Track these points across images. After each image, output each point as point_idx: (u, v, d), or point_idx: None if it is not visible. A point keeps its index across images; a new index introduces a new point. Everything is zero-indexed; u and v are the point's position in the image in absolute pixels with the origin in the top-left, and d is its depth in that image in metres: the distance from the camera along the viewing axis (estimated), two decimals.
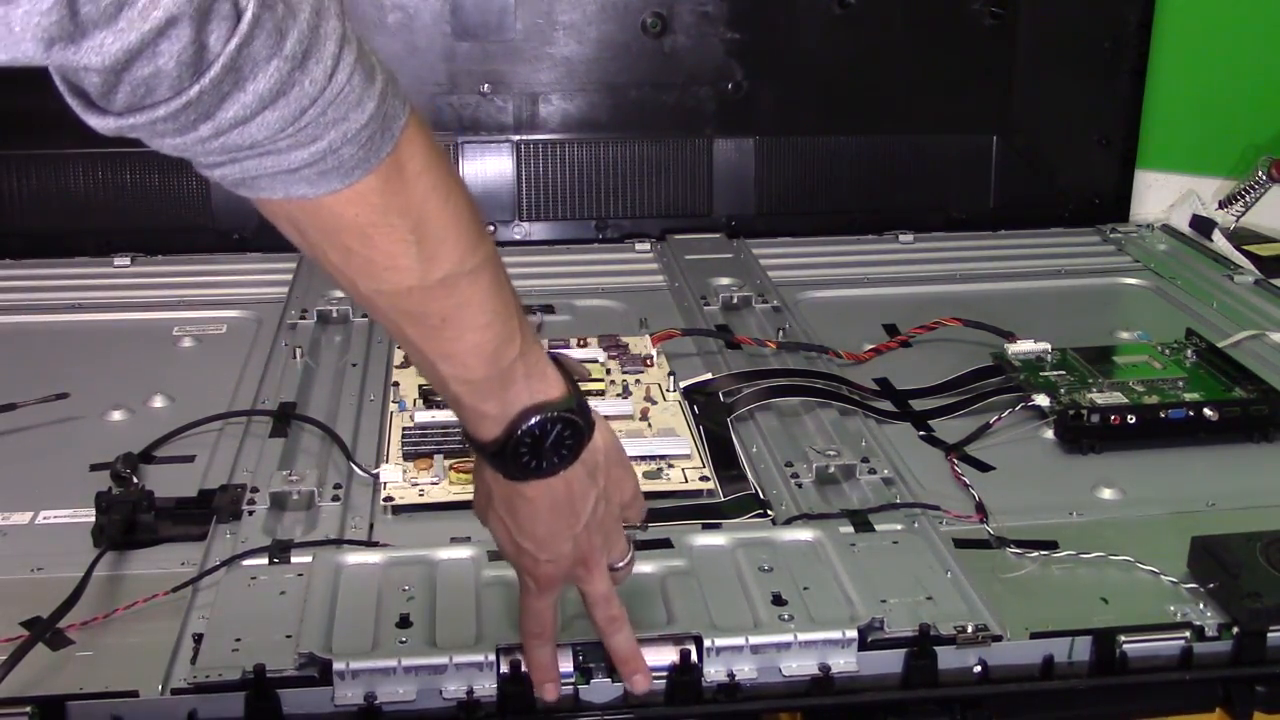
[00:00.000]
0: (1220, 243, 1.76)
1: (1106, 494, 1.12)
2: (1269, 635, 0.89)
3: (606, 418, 1.18)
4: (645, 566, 0.94)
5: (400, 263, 0.65)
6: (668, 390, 1.26)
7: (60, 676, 0.85)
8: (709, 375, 1.30)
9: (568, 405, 0.73)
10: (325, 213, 0.62)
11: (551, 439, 0.73)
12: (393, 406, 1.23)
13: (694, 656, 0.85)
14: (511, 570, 0.92)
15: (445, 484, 1.09)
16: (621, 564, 0.83)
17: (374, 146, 0.61)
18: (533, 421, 0.72)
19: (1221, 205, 1.84)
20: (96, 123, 0.56)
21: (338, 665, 0.83)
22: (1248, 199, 1.81)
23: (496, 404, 0.72)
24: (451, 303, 0.68)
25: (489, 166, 1.75)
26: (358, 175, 0.61)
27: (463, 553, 0.96)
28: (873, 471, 1.12)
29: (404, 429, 1.17)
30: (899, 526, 1.03)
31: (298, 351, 1.36)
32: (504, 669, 0.83)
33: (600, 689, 0.85)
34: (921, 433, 1.23)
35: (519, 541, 0.78)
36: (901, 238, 1.78)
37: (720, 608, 0.90)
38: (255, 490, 1.08)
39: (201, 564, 0.98)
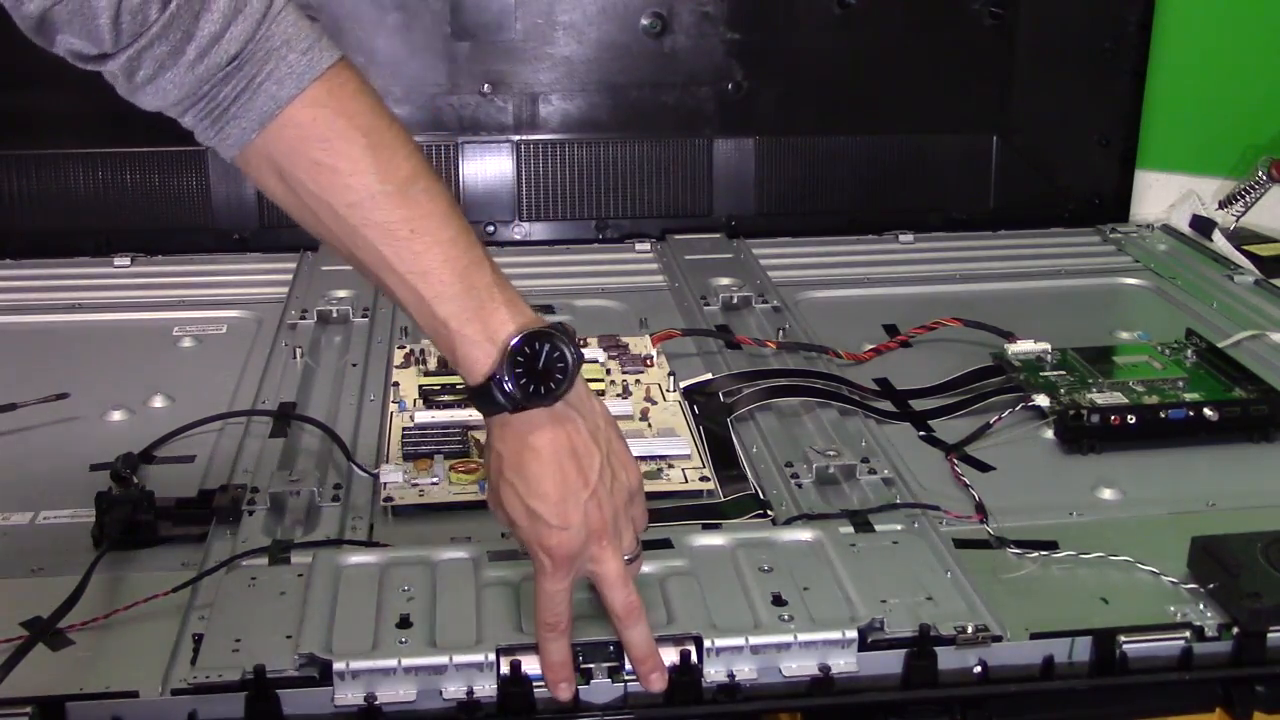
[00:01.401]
0: (1220, 243, 1.77)
1: (1106, 494, 1.12)
2: (1269, 635, 0.89)
3: None
4: (645, 566, 0.94)
5: (361, 166, 0.77)
6: (668, 390, 1.26)
7: (60, 676, 0.85)
8: (709, 375, 1.30)
9: (550, 328, 0.79)
10: (290, 127, 0.76)
11: (543, 360, 0.78)
12: (393, 406, 1.23)
13: (694, 657, 0.85)
14: (511, 571, 0.92)
15: (445, 484, 1.09)
16: (629, 557, 0.84)
17: (315, 56, 0.76)
18: (519, 340, 0.78)
19: (1221, 205, 1.84)
20: (109, 66, 0.74)
21: (338, 666, 0.82)
22: (1248, 199, 1.81)
23: (480, 327, 0.78)
24: (416, 212, 0.78)
25: (489, 166, 1.75)
26: (307, 80, 0.76)
27: (463, 553, 0.96)
28: (873, 471, 1.12)
29: (404, 429, 1.17)
30: (899, 526, 1.03)
31: (298, 351, 1.36)
32: (504, 670, 0.83)
33: (600, 689, 0.85)
34: (921, 433, 1.23)
35: (531, 505, 0.79)
36: (901, 238, 1.78)
37: (720, 608, 0.90)
38: (255, 490, 1.08)
39: (201, 564, 0.98)
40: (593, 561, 0.82)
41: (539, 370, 0.78)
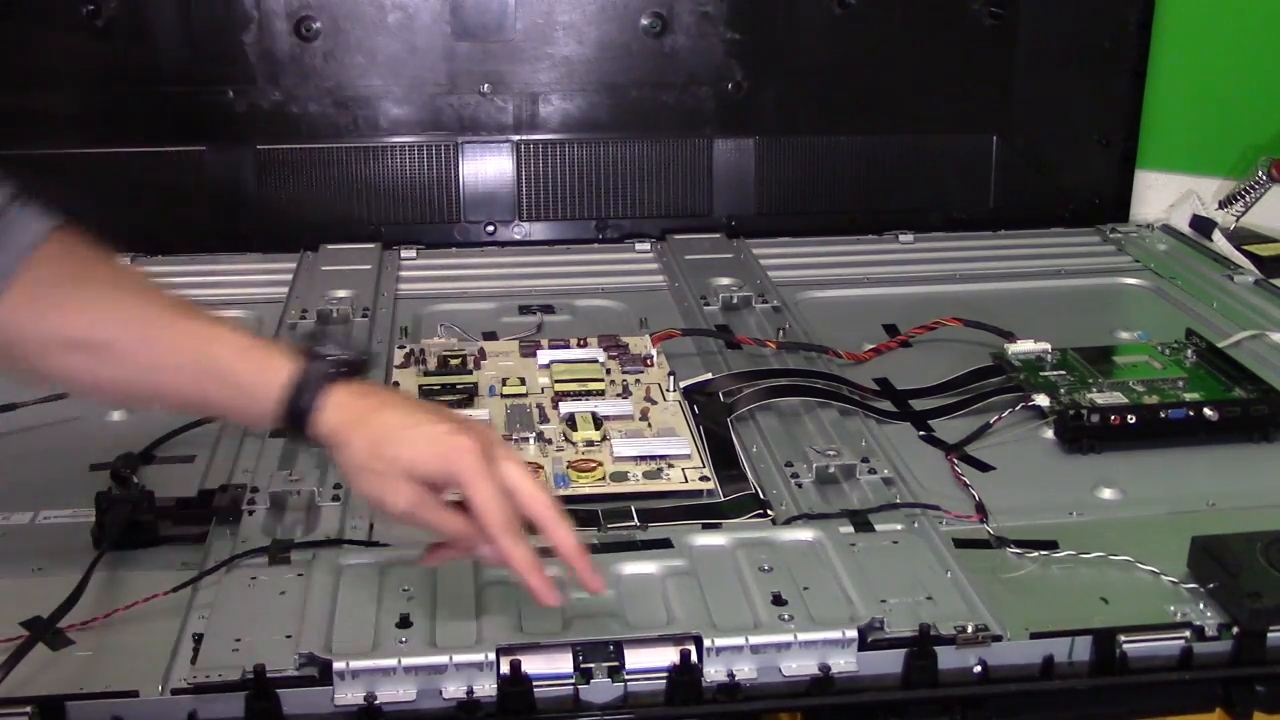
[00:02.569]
0: (1220, 243, 1.76)
1: (1106, 494, 1.12)
2: (1269, 635, 0.90)
3: (606, 418, 1.19)
4: (645, 566, 0.94)
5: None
6: (668, 390, 1.26)
7: (60, 676, 0.85)
8: (709, 375, 1.30)
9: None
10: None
11: (329, 356, 0.82)
12: None
13: (694, 656, 0.85)
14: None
15: None
16: None
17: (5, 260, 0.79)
18: (301, 352, 0.82)
19: (1221, 205, 1.84)
20: None
21: (338, 665, 0.83)
22: (1248, 199, 1.81)
23: (261, 365, 0.81)
24: (179, 329, 0.81)
25: (489, 166, 1.75)
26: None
27: None
28: (873, 471, 1.12)
29: None
30: (899, 526, 1.03)
31: None
32: (504, 669, 0.83)
33: (600, 689, 0.85)
34: (921, 433, 1.23)
35: (423, 428, 0.80)
36: (901, 238, 1.78)
37: (720, 608, 0.90)
38: (255, 490, 1.08)
39: (201, 564, 0.98)
40: (502, 460, 0.81)
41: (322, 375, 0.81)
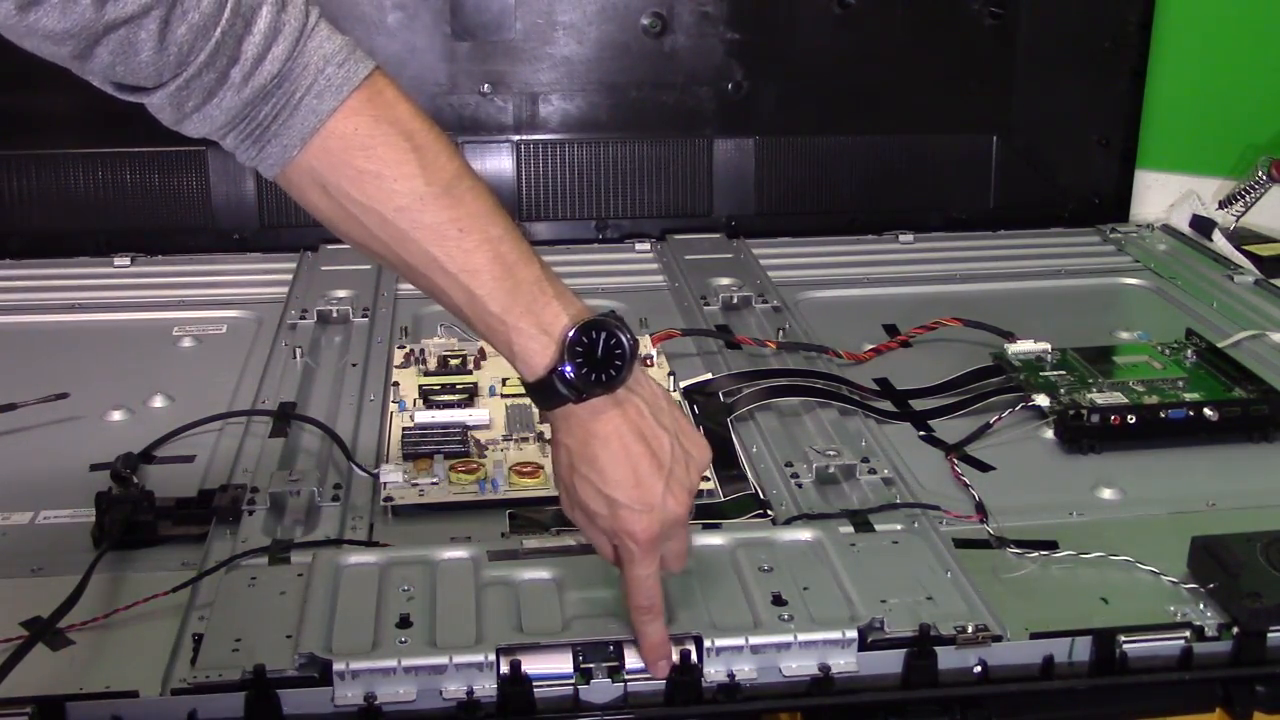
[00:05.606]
0: (1220, 243, 1.77)
1: (1106, 494, 1.12)
2: (1269, 635, 0.89)
3: None
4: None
5: (407, 170, 0.77)
6: (668, 390, 1.26)
7: (60, 676, 0.85)
8: (709, 375, 1.30)
9: (603, 316, 0.80)
10: (334, 140, 0.76)
11: (600, 348, 0.78)
12: (393, 406, 1.23)
13: (694, 656, 0.85)
14: (511, 571, 0.92)
15: (445, 484, 1.09)
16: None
17: (351, 67, 0.77)
18: (575, 330, 0.78)
19: (1221, 205, 1.84)
20: (153, 99, 0.74)
21: (338, 665, 0.82)
22: (1248, 199, 1.81)
23: (534, 321, 0.78)
24: (463, 211, 0.78)
25: (489, 166, 1.75)
26: (345, 91, 0.76)
27: (463, 553, 0.96)
28: (873, 471, 1.12)
29: (404, 429, 1.17)
30: (899, 526, 1.03)
31: (298, 351, 1.36)
32: (504, 669, 0.83)
33: (600, 689, 0.85)
34: (921, 433, 1.23)
35: (609, 494, 0.79)
36: (901, 238, 1.78)
37: (720, 608, 0.90)
38: (255, 490, 1.08)
39: (201, 564, 0.98)
40: (674, 540, 0.83)
41: (597, 358, 0.78)
